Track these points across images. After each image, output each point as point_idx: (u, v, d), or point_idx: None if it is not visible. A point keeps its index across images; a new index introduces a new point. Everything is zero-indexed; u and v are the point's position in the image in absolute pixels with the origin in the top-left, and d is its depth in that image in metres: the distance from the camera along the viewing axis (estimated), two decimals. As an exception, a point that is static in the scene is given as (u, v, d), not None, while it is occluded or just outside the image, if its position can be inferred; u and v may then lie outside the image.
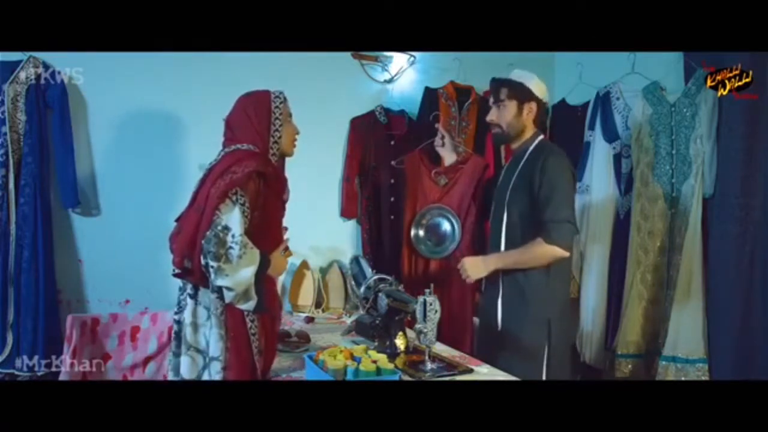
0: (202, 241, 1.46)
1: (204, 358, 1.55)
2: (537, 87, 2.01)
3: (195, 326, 1.56)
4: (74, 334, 2.05)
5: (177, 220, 1.62)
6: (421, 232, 2.58)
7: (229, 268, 1.45)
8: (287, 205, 1.76)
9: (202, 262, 1.47)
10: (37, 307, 2.19)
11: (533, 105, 2.00)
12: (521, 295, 1.96)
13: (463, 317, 2.54)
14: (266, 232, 1.60)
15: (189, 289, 1.58)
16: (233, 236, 1.47)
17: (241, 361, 1.55)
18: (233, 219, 1.48)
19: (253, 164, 1.54)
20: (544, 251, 1.87)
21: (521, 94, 1.99)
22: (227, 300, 1.50)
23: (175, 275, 1.57)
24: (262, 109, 1.65)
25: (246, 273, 1.47)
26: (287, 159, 1.79)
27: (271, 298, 1.62)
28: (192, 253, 1.49)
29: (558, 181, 1.88)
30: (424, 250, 2.58)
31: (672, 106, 2.51)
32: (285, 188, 1.73)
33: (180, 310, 1.60)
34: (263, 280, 1.52)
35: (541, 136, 2.04)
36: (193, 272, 1.52)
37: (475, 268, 2.00)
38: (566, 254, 1.88)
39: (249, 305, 1.51)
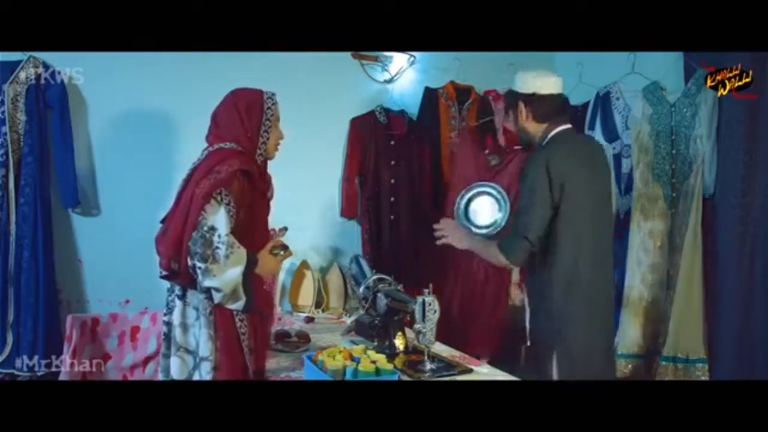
0: (189, 243, 1.45)
1: (194, 358, 1.55)
2: (523, 83, 1.91)
3: (184, 327, 1.56)
4: (74, 334, 2.05)
5: (163, 221, 1.62)
6: (468, 206, 2.54)
7: (216, 268, 1.45)
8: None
9: (189, 263, 1.47)
10: (37, 307, 2.20)
11: (520, 106, 1.90)
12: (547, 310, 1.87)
13: (490, 317, 2.54)
14: (253, 231, 1.60)
15: (177, 290, 1.57)
16: (219, 236, 1.46)
17: (231, 361, 1.55)
18: (219, 219, 1.48)
19: (237, 163, 1.53)
20: (493, 254, 1.88)
21: (508, 101, 1.97)
22: (216, 300, 1.50)
23: (163, 277, 1.56)
24: (254, 108, 1.63)
25: (233, 273, 1.47)
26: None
27: (261, 298, 1.62)
28: (179, 254, 1.48)
29: (523, 188, 1.85)
30: (467, 224, 2.53)
31: (672, 106, 2.51)
32: (270, 186, 1.72)
33: (169, 311, 1.60)
34: (251, 280, 1.52)
35: (556, 130, 1.89)
36: (180, 274, 1.51)
37: (457, 233, 2.05)
38: (511, 266, 1.89)
39: (238, 305, 1.51)
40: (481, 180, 2.50)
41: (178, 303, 1.57)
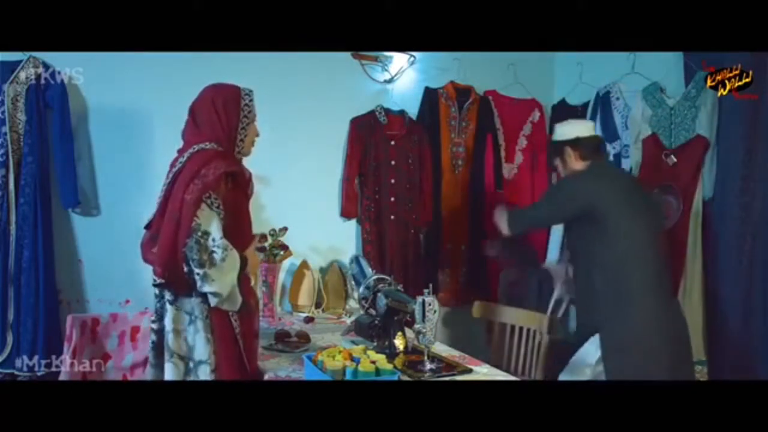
0: (184, 249, 1.44)
1: (186, 363, 1.53)
2: (564, 132, 2.16)
3: (177, 332, 1.54)
4: (74, 334, 2.05)
5: (147, 227, 1.60)
6: None
7: (214, 273, 1.44)
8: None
9: (186, 269, 1.46)
10: (37, 307, 2.19)
11: (568, 150, 2.13)
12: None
13: None
14: (239, 231, 1.59)
15: (168, 296, 1.55)
16: (214, 240, 1.46)
17: (231, 361, 1.55)
18: (212, 223, 1.47)
19: (222, 165, 1.52)
20: (499, 217, 2.25)
21: (555, 149, 2.20)
22: (213, 304, 1.49)
23: (157, 285, 1.55)
24: (232, 106, 1.61)
25: (231, 277, 1.47)
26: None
27: (247, 296, 1.61)
28: (174, 261, 1.47)
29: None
30: None
31: (672, 108, 2.51)
32: (249, 184, 1.71)
33: (159, 318, 1.57)
34: (243, 280, 1.52)
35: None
36: (175, 280, 1.50)
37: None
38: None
39: (234, 306, 1.51)
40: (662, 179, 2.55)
41: (169, 309, 1.54)
